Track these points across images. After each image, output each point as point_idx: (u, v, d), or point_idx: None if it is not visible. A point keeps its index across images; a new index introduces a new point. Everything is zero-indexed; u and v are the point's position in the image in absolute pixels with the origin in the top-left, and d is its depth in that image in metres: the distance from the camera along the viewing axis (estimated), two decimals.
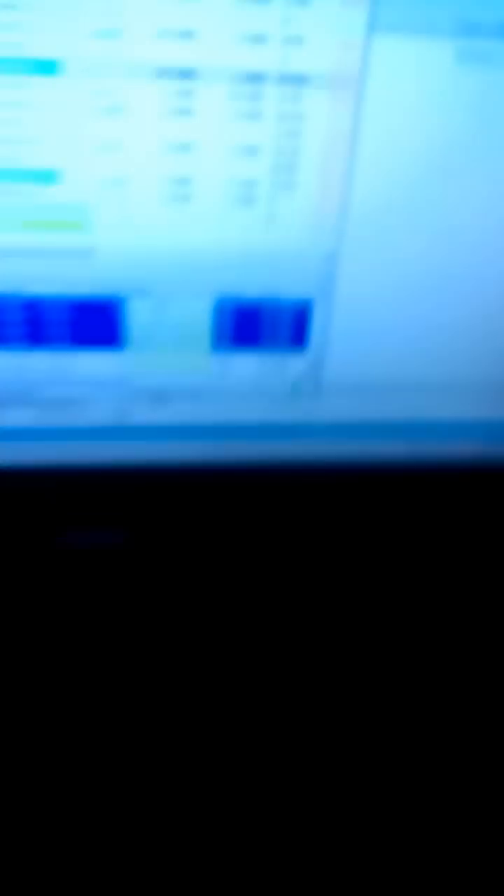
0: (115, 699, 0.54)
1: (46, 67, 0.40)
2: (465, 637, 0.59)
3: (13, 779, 0.49)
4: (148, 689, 0.55)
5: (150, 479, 0.56)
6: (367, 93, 0.41)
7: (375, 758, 0.52)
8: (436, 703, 0.56)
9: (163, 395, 0.51)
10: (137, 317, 0.48)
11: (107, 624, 0.58)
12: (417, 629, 0.60)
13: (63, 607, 0.59)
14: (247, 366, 0.50)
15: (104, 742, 0.52)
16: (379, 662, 0.57)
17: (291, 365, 0.51)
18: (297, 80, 0.41)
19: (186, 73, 0.40)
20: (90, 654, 0.56)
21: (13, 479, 0.55)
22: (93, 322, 0.48)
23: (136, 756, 0.51)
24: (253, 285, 0.47)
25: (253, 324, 0.49)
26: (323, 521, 0.59)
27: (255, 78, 0.41)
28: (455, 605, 0.61)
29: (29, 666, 0.55)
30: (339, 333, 0.49)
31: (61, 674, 0.55)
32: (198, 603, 0.59)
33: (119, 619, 0.59)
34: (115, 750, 0.51)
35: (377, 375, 0.51)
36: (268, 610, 0.60)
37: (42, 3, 0.37)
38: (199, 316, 0.48)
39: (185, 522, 0.59)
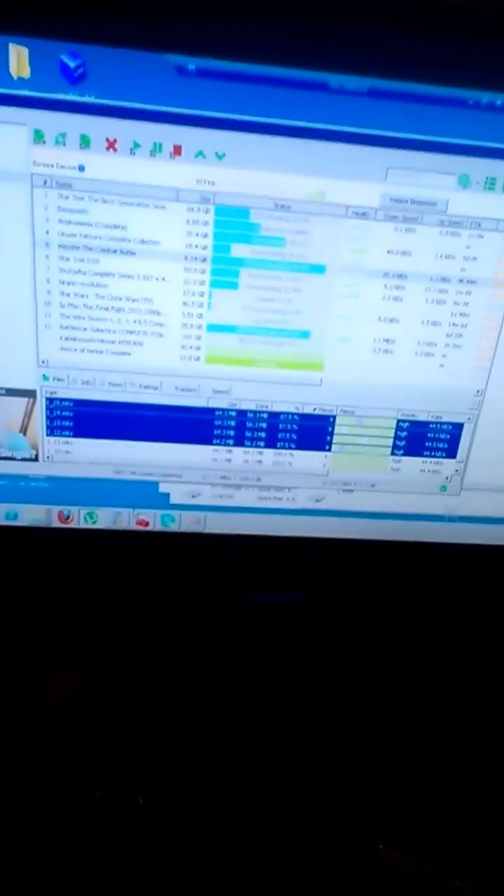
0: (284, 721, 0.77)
1: (317, 269, 0.67)
2: None
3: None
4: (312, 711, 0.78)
5: (325, 550, 0.80)
6: None
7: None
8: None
9: (349, 486, 0.77)
10: (341, 429, 0.74)
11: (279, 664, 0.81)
12: None
13: (247, 650, 0.82)
14: (412, 467, 0.76)
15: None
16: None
17: (445, 469, 0.76)
18: (469, 282, 0.69)
19: (401, 275, 0.68)
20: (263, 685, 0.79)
21: (219, 545, 0.79)
22: (311, 431, 0.74)
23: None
24: (424, 410, 0.74)
25: (420, 438, 0.75)
26: (454, 586, 0.84)
27: (444, 279, 0.68)
28: None
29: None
30: (480, 448, 0.75)
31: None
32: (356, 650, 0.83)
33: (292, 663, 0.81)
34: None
35: None
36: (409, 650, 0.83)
37: (321, 232, 0.65)
38: (383, 431, 0.74)
39: (350, 586, 0.83)
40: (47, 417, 0.70)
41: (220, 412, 0.71)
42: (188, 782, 0.71)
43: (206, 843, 0.66)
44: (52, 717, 0.74)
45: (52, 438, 0.71)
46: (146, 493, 0.74)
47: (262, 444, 0.73)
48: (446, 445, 0.75)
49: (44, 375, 0.68)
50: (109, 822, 0.67)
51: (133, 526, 0.76)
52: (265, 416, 0.72)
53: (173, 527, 0.76)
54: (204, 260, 0.66)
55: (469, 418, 0.74)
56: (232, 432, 0.72)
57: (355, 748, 0.76)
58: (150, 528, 0.76)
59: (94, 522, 0.75)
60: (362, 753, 0.75)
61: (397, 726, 0.78)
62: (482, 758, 0.76)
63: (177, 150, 0.62)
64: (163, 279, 0.66)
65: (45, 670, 0.78)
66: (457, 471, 0.76)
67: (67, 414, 0.70)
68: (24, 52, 0.59)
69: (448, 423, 0.74)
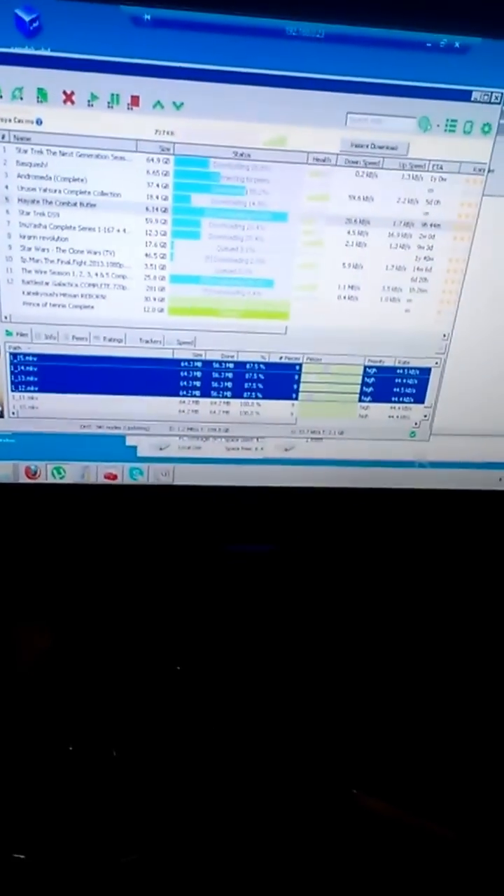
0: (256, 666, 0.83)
1: (279, 216, 0.72)
2: None
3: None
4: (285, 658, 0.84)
5: (295, 499, 0.86)
6: (478, 233, 0.74)
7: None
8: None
9: (318, 434, 0.83)
10: (308, 377, 0.80)
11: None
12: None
13: (222, 598, 0.88)
14: (380, 413, 0.82)
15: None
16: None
17: (413, 415, 0.82)
18: (433, 226, 0.74)
19: (363, 221, 0.73)
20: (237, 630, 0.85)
21: (188, 497, 0.85)
22: (277, 380, 0.79)
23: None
24: (390, 356, 0.79)
25: (388, 383, 0.81)
26: (426, 531, 0.90)
27: (407, 224, 0.74)
28: None
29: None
30: (448, 392, 0.81)
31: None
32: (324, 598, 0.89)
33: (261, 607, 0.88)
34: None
35: (473, 426, 0.83)
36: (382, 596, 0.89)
37: (281, 180, 0.70)
38: (350, 378, 0.80)
39: (318, 534, 0.89)
40: (11, 373, 0.75)
41: (186, 363, 0.77)
42: (161, 735, 0.76)
43: (181, 795, 0.71)
44: (25, 673, 0.80)
45: (16, 394, 0.76)
46: (113, 446, 0.80)
47: (228, 394, 0.79)
48: (414, 391, 0.81)
49: (7, 331, 0.73)
50: (83, 777, 0.72)
51: (101, 480, 0.81)
52: (231, 366, 0.78)
53: (142, 480, 0.82)
54: (165, 210, 0.71)
55: (436, 363, 0.80)
56: (198, 383, 0.78)
57: (329, 693, 0.82)
58: (118, 481, 0.82)
59: (61, 477, 0.80)
60: (336, 699, 0.81)
61: (371, 673, 0.84)
62: (456, 703, 0.82)
63: (134, 101, 0.67)
64: (124, 231, 0.71)
65: (17, 626, 0.84)
66: (425, 416, 0.82)
67: (32, 369, 0.75)
68: None
69: (415, 368, 0.80)
